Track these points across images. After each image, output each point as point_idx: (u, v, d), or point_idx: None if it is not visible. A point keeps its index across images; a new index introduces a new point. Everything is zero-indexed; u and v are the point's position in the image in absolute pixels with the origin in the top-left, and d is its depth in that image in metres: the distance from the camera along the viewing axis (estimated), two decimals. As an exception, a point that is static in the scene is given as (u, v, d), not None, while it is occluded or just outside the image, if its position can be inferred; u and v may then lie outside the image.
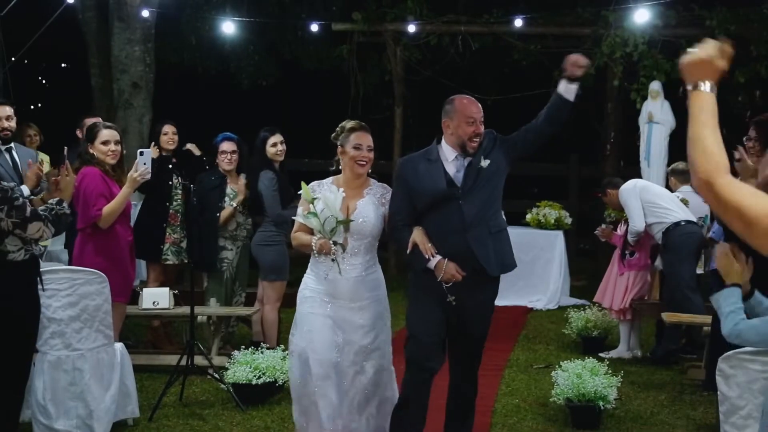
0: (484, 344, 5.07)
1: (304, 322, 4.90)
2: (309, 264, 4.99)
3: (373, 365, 4.87)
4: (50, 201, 4.77)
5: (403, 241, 4.84)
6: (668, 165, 10.69)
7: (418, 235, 4.80)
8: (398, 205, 4.90)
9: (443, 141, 4.95)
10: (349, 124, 4.97)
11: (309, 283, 4.95)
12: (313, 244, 4.76)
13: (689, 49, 2.50)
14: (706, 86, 2.45)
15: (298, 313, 4.95)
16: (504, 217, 5.11)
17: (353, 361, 4.83)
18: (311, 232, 4.82)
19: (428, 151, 4.99)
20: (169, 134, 7.81)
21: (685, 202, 7.84)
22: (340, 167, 5.00)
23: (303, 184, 4.89)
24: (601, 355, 7.65)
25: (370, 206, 4.89)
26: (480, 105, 4.95)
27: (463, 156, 4.89)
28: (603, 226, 8.00)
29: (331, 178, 5.00)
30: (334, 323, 4.83)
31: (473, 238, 4.81)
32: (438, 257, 4.77)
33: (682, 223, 7.45)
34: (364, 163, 4.89)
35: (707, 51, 2.45)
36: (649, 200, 7.61)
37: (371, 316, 4.88)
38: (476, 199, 4.83)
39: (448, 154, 4.92)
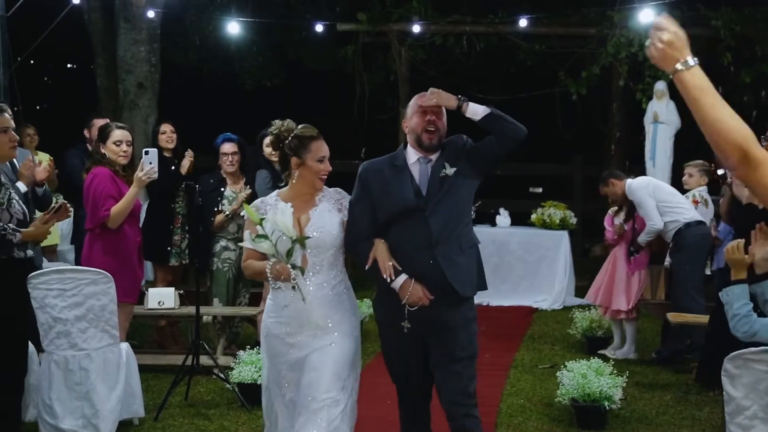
0: (475, 369, 4.52)
1: (269, 358, 4.41)
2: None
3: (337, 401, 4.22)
4: None
5: (362, 255, 4.37)
6: (673, 165, 10.72)
7: (379, 251, 4.33)
8: (358, 215, 4.37)
9: (408, 145, 4.55)
10: (305, 131, 4.37)
11: (269, 311, 4.38)
12: (267, 270, 4.16)
13: (652, 39, 2.38)
14: (691, 60, 2.32)
15: (264, 351, 4.45)
16: (475, 234, 4.59)
17: (317, 398, 4.20)
18: (264, 257, 4.23)
19: (394, 156, 4.54)
20: (167, 133, 7.81)
21: (705, 202, 7.83)
22: (284, 178, 4.49)
23: (245, 204, 4.46)
24: (607, 354, 7.65)
25: (326, 214, 4.32)
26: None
27: (424, 153, 4.44)
28: (616, 224, 7.85)
29: (275, 193, 4.44)
30: (301, 356, 4.25)
31: (442, 255, 4.33)
32: (403, 277, 4.31)
33: (694, 224, 7.43)
34: (326, 176, 4.38)
35: (672, 28, 2.35)
36: (663, 199, 7.57)
37: (341, 346, 4.27)
38: (443, 210, 4.36)
39: (411, 156, 4.48)
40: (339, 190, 4.45)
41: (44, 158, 9.01)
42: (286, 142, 4.32)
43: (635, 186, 7.74)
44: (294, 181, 4.35)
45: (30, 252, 4.83)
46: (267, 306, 4.41)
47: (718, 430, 5.85)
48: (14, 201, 4.72)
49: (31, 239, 4.76)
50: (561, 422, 6.08)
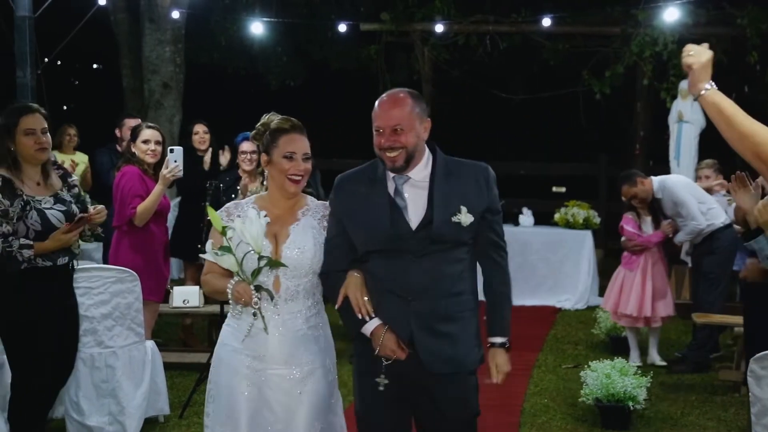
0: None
1: (222, 400, 3.62)
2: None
3: None
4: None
5: (333, 290, 3.54)
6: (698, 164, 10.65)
7: (351, 285, 3.48)
8: (332, 242, 3.57)
9: None
10: (279, 123, 3.64)
11: (225, 339, 3.64)
12: (228, 291, 3.45)
13: (690, 53, 2.70)
14: (713, 85, 2.63)
15: (212, 384, 3.67)
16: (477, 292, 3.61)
17: None
18: (230, 272, 3.52)
19: (372, 167, 3.59)
20: (200, 133, 7.89)
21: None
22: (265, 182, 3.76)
23: (209, 207, 3.63)
24: (635, 364, 7.47)
25: (308, 232, 3.57)
26: (403, 104, 3.48)
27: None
28: (665, 222, 7.47)
29: (252, 197, 3.72)
30: (264, 404, 3.55)
31: (418, 317, 3.44)
32: (375, 322, 3.46)
33: (727, 226, 7.29)
34: (299, 178, 3.59)
35: (706, 53, 2.70)
36: (702, 200, 7.40)
37: (315, 393, 3.58)
38: (435, 256, 3.45)
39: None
40: (326, 204, 3.68)
41: (82, 159, 9.18)
42: (254, 132, 3.72)
43: (674, 184, 7.47)
44: (268, 184, 3.69)
45: (63, 259, 4.60)
46: (223, 332, 3.67)
47: None
48: (34, 212, 4.52)
49: (47, 251, 4.53)
50: (585, 422, 6.07)
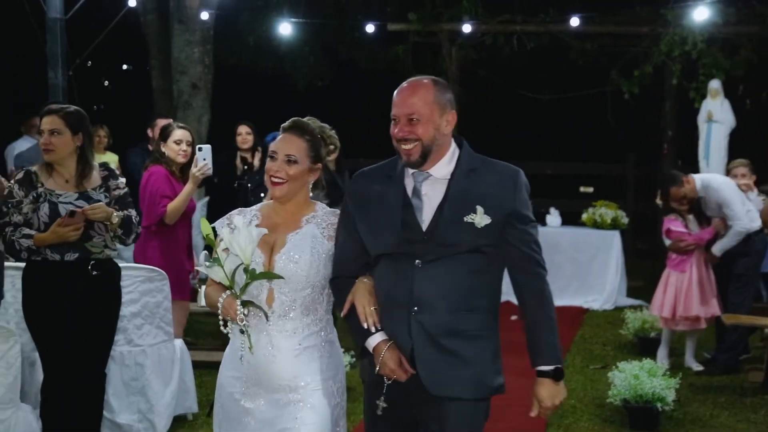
0: None
1: (226, 426, 3.40)
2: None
3: None
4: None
5: (341, 297, 3.27)
6: (728, 164, 10.57)
7: (359, 292, 3.19)
8: (343, 245, 3.28)
9: None
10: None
11: (224, 362, 3.42)
12: (219, 304, 3.24)
13: None
14: None
15: (219, 406, 3.44)
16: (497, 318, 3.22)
17: None
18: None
19: (391, 163, 3.28)
20: (242, 134, 7.98)
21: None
22: None
23: (202, 219, 3.42)
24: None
25: (308, 240, 3.27)
26: (422, 92, 3.15)
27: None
28: (716, 222, 7.28)
29: (259, 205, 3.49)
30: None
31: (420, 329, 3.10)
32: (379, 336, 3.16)
33: (761, 229, 7.22)
34: (278, 180, 3.31)
35: None
36: (743, 201, 7.29)
37: (314, 418, 3.26)
38: (446, 263, 3.10)
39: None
40: (337, 212, 3.39)
41: (112, 159, 9.28)
42: None
43: (719, 185, 7.28)
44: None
45: (73, 255, 4.62)
46: (225, 355, 3.44)
47: (773, 433, 5.78)
48: (46, 204, 4.59)
49: (45, 244, 4.57)
50: (612, 423, 6.04)
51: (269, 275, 3.22)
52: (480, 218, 3.06)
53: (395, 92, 3.20)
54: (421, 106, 3.11)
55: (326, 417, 3.28)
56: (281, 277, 3.22)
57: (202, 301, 7.12)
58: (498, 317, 3.22)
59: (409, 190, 3.18)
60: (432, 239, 3.09)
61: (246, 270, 3.17)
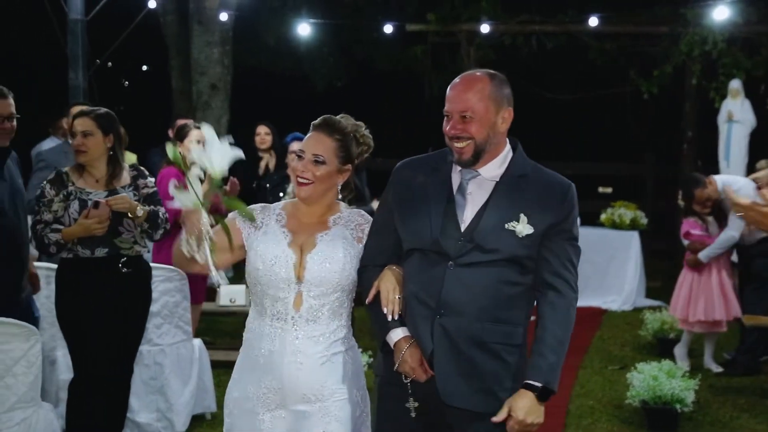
0: None
1: None
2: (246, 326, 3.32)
3: None
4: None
5: (367, 285, 3.13)
6: (748, 165, 10.50)
7: (385, 279, 3.06)
8: (376, 235, 3.17)
9: None
10: None
11: (238, 367, 3.30)
12: (183, 232, 3.12)
13: None
14: None
15: (229, 422, 3.29)
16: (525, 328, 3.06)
17: None
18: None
19: (440, 155, 3.14)
20: (261, 135, 8.00)
21: None
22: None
23: (168, 144, 3.33)
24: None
25: (338, 243, 3.16)
26: (477, 87, 2.98)
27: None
28: (743, 224, 7.12)
29: (282, 202, 3.39)
30: None
31: (443, 333, 2.97)
32: (402, 332, 3.04)
33: None
34: (305, 182, 3.17)
35: None
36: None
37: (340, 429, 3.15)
38: (481, 269, 2.96)
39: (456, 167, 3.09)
40: (363, 213, 3.30)
41: (130, 158, 9.31)
42: None
43: (741, 187, 7.13)
44: None
45: (103, 251, 4.68)
46: (238, 360, 3.30)
47: (793, 436, 5.74)
48: (76, 201, 4.66)
49: (73, 237, 4.63)
50: (631, 424, 6.02)
51: (217, 182, 3.06)
52: (522, 227, 2.94)
53: (449, 87, 3.03)
54: (475, 102, 2.95)
55: (349, 425, 3.17)
56: (252, 219, 3.17)
57: (221, 301, 7.18)
58: (527, 335, 3.04)
59: (455, 186, 3.04)
60: (469, 241, 2.95)
61: (206, 174, 3.05)
